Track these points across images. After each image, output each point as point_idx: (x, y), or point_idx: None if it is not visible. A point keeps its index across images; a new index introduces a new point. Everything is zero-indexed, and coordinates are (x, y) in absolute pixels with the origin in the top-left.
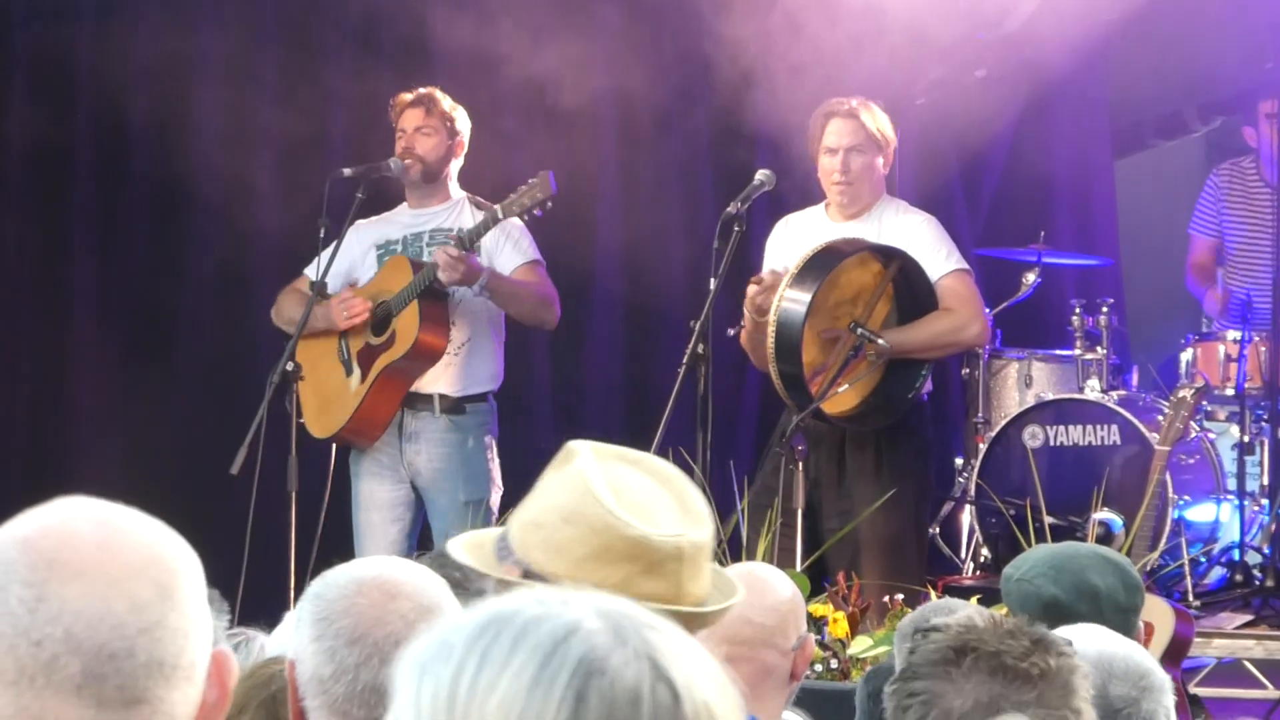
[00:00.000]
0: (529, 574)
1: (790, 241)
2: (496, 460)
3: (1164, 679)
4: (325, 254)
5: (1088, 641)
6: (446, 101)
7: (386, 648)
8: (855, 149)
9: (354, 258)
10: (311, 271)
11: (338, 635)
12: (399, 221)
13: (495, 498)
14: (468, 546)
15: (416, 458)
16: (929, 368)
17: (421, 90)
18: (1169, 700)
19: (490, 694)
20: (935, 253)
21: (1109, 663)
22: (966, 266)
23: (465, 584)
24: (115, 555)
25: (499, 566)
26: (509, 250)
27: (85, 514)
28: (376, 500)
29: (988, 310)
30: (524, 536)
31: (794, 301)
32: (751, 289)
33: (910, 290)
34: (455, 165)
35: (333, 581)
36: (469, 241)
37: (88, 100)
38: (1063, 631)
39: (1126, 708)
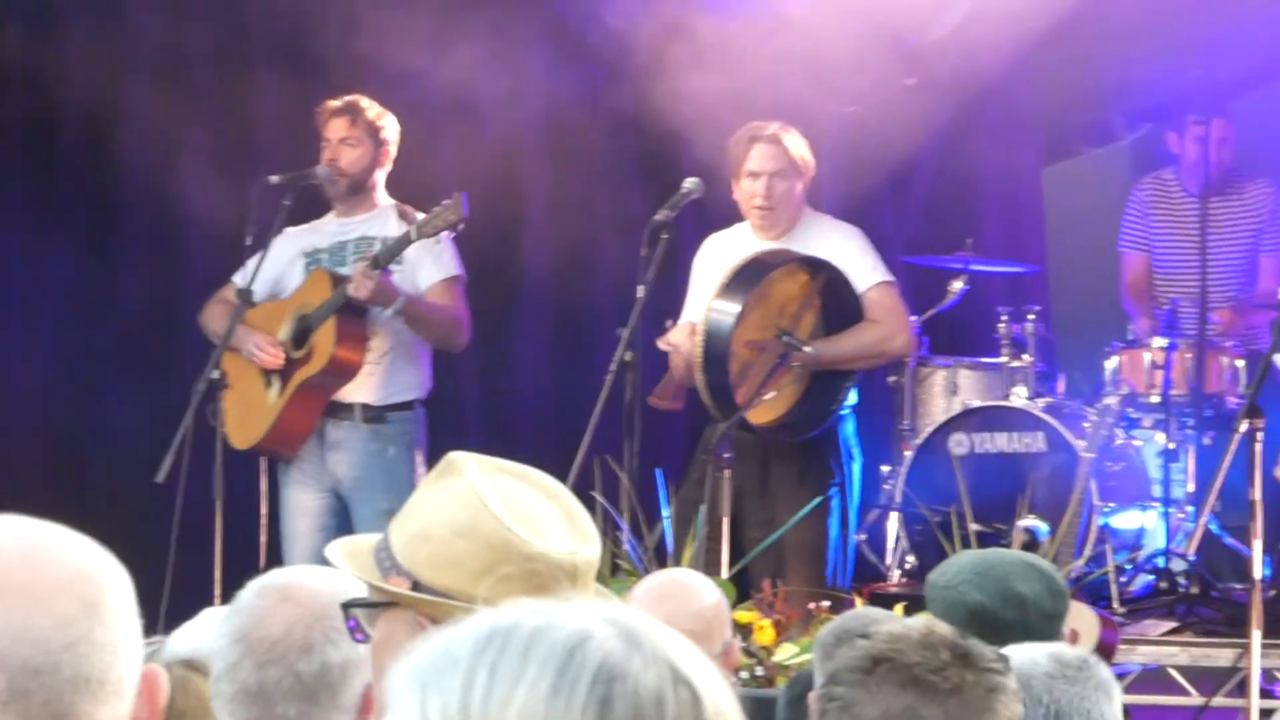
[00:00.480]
0: (418, 586)
1: (717, 260)
2: (424, 469)
3: None
4: (252, 262)
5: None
6: (373, 109)
7: (260, 649)
8: (778, 174)
9: (282, 265)
10: (240, 279)
11: (227, 634)
12: (326, 230)
13: None
14: (345, 554)
15: (339, 467)
16: (854, 380)
17: (348, 98)
18: None
19: (507, 706)
20: (861, 265)
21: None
22: (892, 279)
23: None
24: (39, 571)
25: (380, 577)
26: (429, 264)
27: (9, 531)
28: (303, 508)
29: (914, 318)
30: (410, 549)
31: (722, 312)
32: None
33: (837, 302)
34: (382, 173)
35: (252, 583)
36: (382, 262)
37: (17, 103)
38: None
39: None
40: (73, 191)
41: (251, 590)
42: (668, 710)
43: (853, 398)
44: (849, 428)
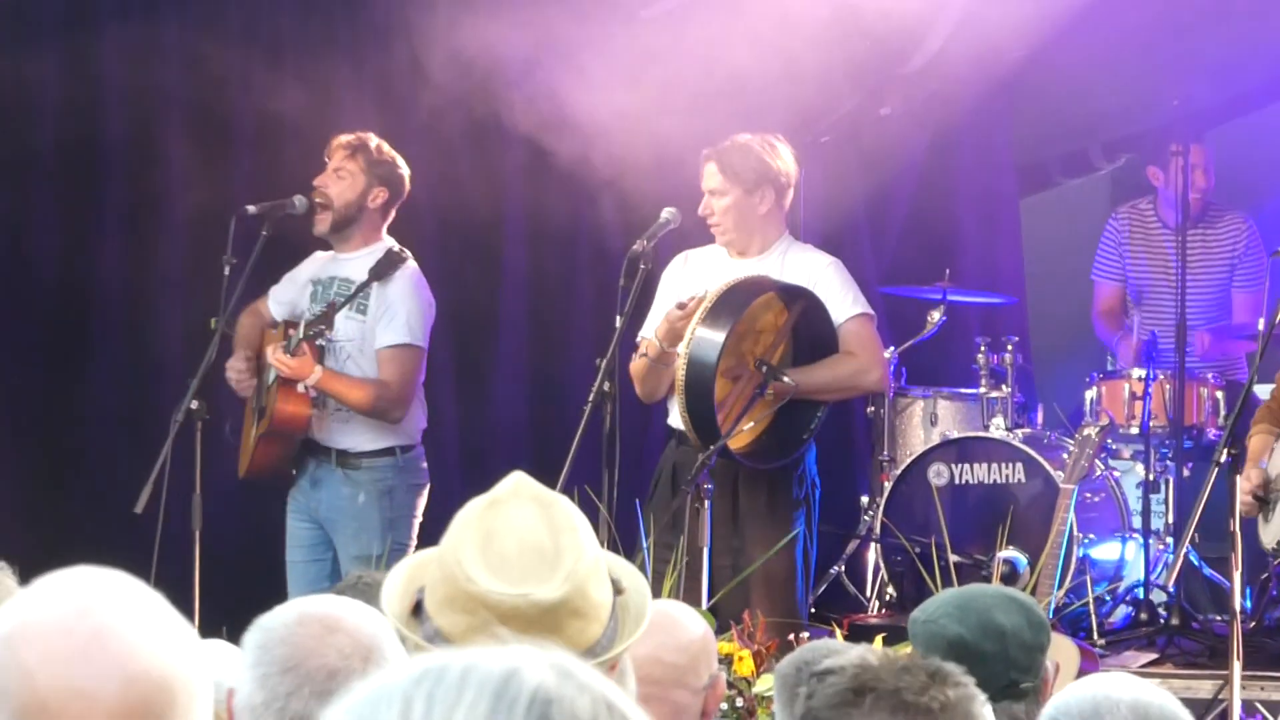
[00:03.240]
0: (418, 604)
1: (688, 277)
2: (407, 515)
3: None
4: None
5: (1121, 689)
6: (381, 148)
7: (319, 678)
8: (715, 192)
9: (296, 290)
10: (271, 292)
11: (273, 663)
12: (322, 257)
13: (399, 550)
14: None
15: (319, 506)
16: (825, 409)
17: (361, 134)
18: None
19: None
20: (840, 296)
21: (1144, 711)
22: (870, 311)
23: None
24: (115, 689)
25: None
26: (384, 325)
27: (85, 625)
28: (297, 539)
29: (892, 349)
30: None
31: (707, 340)
32: (675, 312)
33: (809, 331)
34: (378, 212)
35: (279, 612)
36: (306, 332)
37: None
38: (1099, 679)
39: None
40: (50, 217)
41: (283, 619)
42: None
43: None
44: (810, 454)
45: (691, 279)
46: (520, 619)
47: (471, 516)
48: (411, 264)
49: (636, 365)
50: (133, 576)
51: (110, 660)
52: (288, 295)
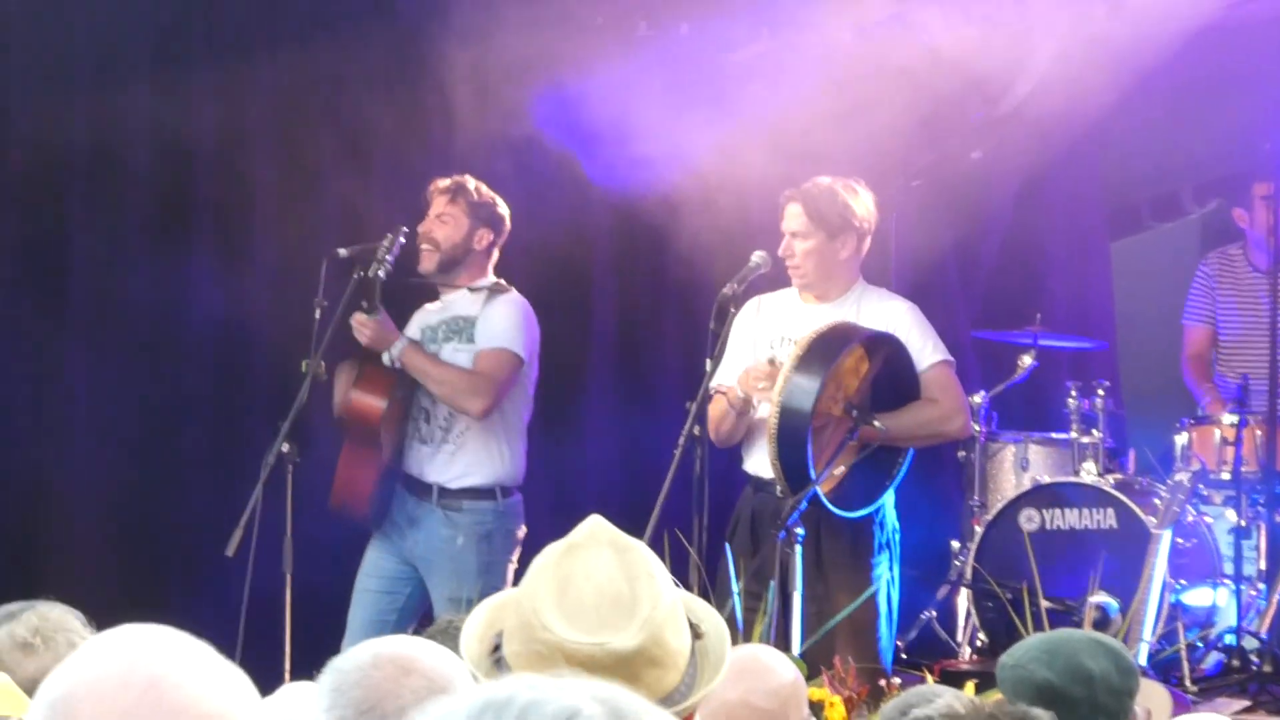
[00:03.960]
0: (496, 648)
1: (761, 323)
2: (502, 560)
3: None
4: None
5: None
6: (480, 190)
7: None
8: (797, 234)
9: (320, 330)
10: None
11: (349, 705)
12: (432, 309)
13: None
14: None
15: (415, 546)
16: (907, 456)
17: (458, 178)
18: None
19: None
20: (921, 343)
21: None
22: (950, 358)
23: None
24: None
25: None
26: (483, 328)
27: (134, 676)
28: (378, 569)
29: (983, 393)
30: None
31: (800, 388)
32: (763, 367)
33: (892, 378)
34: (483, 253)
35: (352, 654)
36: (369, 306)
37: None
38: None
39: None
40: (142, 271)
41: (357, 661)
42: None
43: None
44: (891, 499)
45: (765, 325)
46: (596, 667)
47: (548, 562)
48: (516, 293)
49: (714, 410)
50: (220, 619)
51: (166, 712)
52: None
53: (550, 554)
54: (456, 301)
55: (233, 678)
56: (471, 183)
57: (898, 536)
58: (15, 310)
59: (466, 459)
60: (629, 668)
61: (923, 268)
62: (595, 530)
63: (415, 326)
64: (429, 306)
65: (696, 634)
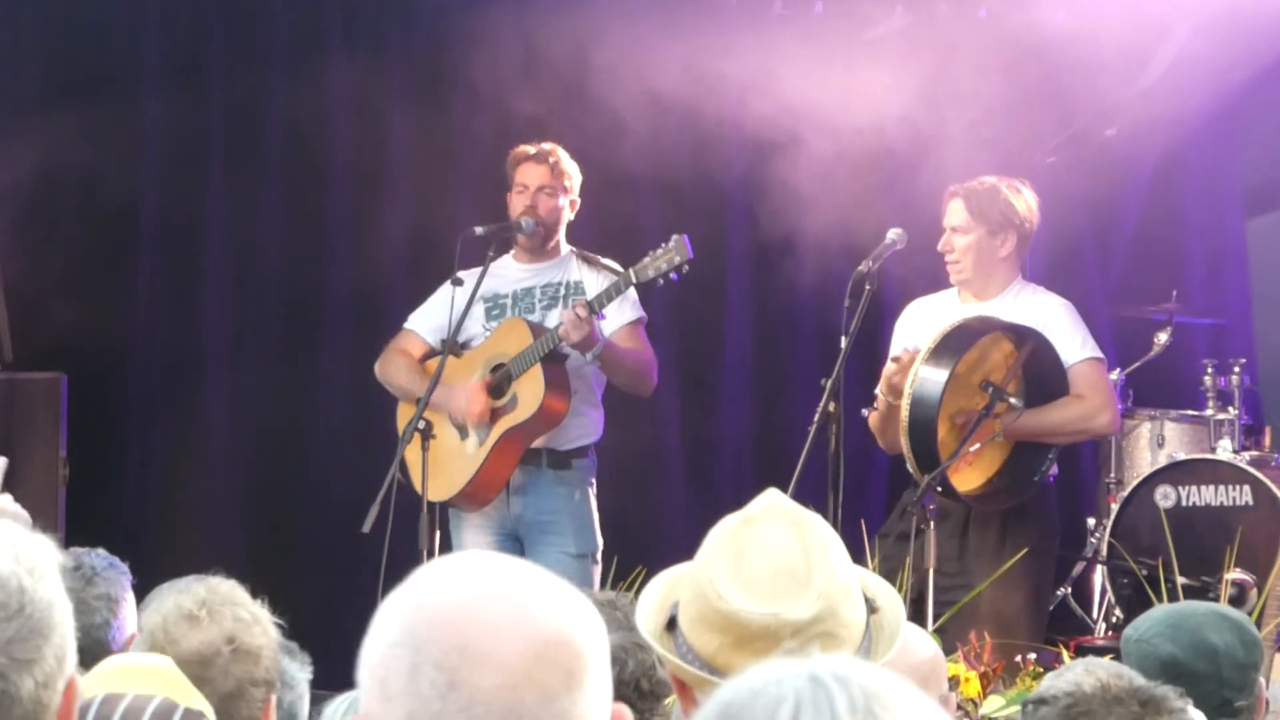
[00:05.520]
0: (672, 620)
1: (920, 325)
2: (596, 512)
3: None
4: (435, 311)
5: None
6: (566, 159)
7: None
8: (957, 229)
9: (458, 311)
10: (416, 325)
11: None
12: (507, 276)
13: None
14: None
15: (525, 511)
16: (1055, 452)
17: (543, 145)
18: None
19: None
20: (1071, 339)
21: None
22: (1101, 355)
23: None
24: (528, 642)
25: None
26: (615, 306)
27: (494, 588)
28: (479, 546)
29: (1119, 369)
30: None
31: (930, 379)
32: (890, 367)
33: (1039, 373)
34: (566, 220)
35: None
36: (599, 305)
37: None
38: None
39: None
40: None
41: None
42: None
43: (1053, 468)
44: (1052, 501)
45: (924, 325)
46: (771, 638)
47: (725, 534)
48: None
49: (873, 420)
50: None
51: (531, 620)
52: (436, 321)
53: (726, 526)
54: (543, 269)
55: (577, 598)
56: (560, 151)
57: (1056, 540)
58: (161, 283)
59: (573, 424)
60: (804, 637)
61: (1058, 244)
62: (772, 503)
63: (463, 297)
64: (497, 271)
65: (871, 608)
